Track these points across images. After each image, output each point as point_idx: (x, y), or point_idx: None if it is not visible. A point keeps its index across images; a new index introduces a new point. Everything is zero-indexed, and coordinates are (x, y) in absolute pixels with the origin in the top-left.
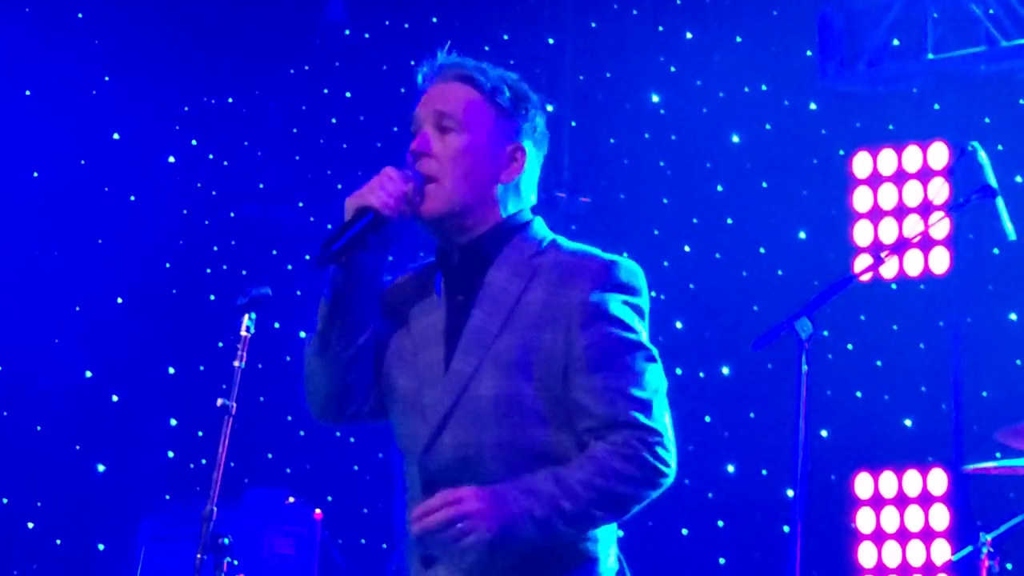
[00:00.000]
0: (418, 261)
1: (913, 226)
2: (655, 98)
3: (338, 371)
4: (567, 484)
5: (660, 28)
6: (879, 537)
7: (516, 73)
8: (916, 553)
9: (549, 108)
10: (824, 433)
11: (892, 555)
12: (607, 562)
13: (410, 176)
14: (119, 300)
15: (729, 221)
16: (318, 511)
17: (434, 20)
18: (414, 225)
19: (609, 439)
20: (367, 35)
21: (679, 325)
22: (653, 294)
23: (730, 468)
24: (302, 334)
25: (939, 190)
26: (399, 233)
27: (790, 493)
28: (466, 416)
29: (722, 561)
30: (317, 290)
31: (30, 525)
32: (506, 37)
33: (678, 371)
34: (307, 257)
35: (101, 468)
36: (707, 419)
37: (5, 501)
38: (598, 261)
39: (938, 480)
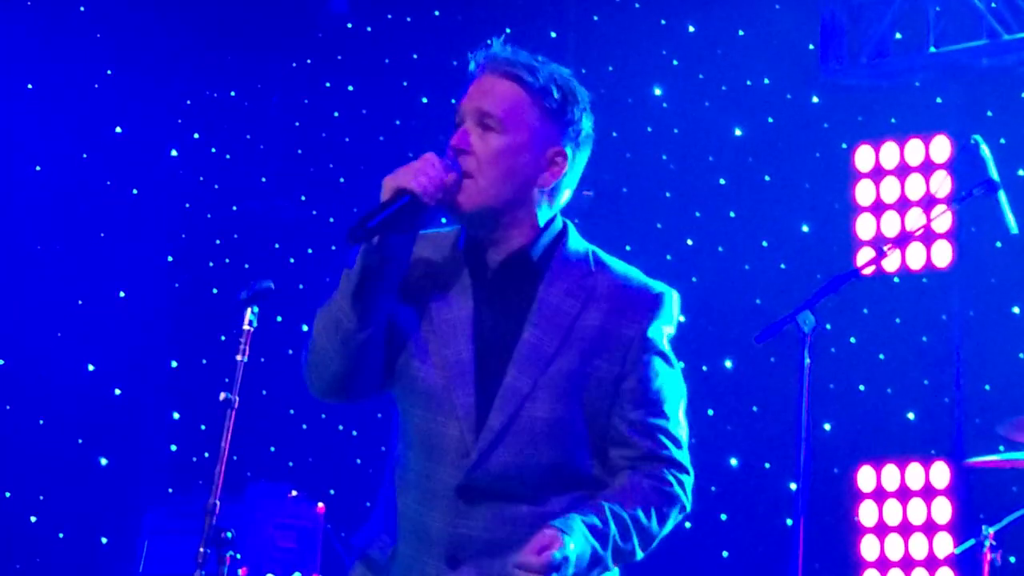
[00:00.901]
0: (433, 228)
1: (915, 220)
2: (657, 91)
3: (351, 352)
4: (623, 523)
5: (662, 21)
6: (882, 530)
7: (569, 69)
8: (919, 546)
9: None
10: (827, 426)
11: (895, 548)
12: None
13: (451, 166)
14: (121, 294)
15: (731, 214)
16: (321, 505)
17: (436, 13)
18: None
19: (646, 470)
20: (369, 28)
21: (681, 319)
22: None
23: (733, 461)
24: (304, 327)
25: (941, 183)
26: (430, 221)
27: (793, 486)
28: (520, 435)
29: (725, 554)
30: (320, 284)
31: (33, 519)
32: (508, 30)
33: (681, 364)
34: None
35: (104, 461)
36: (710, 412)
37: (8, 495)
38: (650, 292)
39: (941, 473)
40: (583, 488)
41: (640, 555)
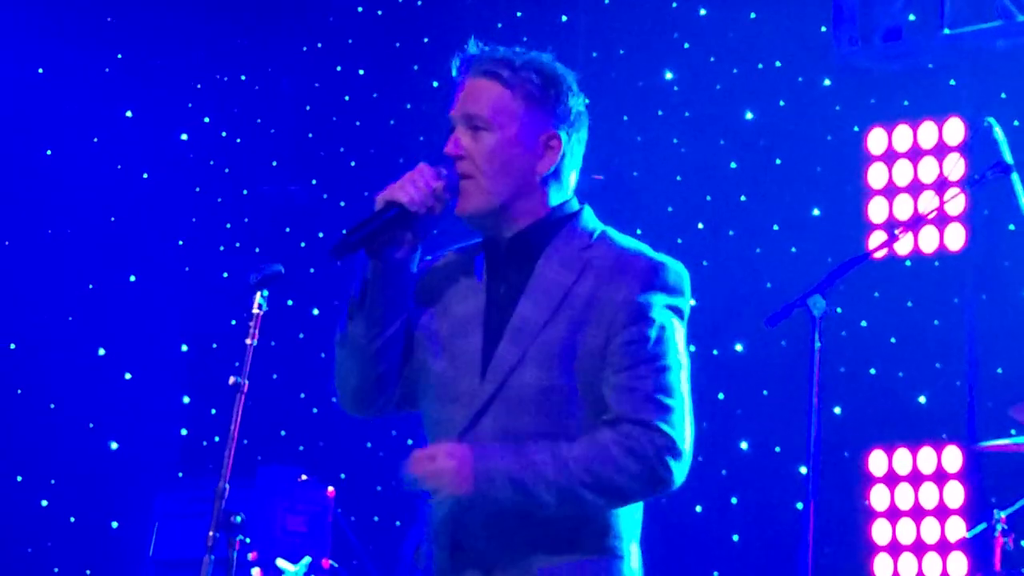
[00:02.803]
0: (464, 242)
1: (928, 203)
2: (668, 75)
3: (365, 363)
4: (561, 458)
5: (673, 4)
6: (893, 514)
7: (549, 54)
8: (931, 530)
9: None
10: (837, 410)
11: (906, 532)
12: (631, 562)
13: (443, 173)
14: (132, 278)
15: (743, 198)
16: (331, 489)
17: None
18: (460, 222)
19: (619, 429)
20: (380, 12)
21: (692, 302)
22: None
23: (743, 445)
24: (315, 311)
25: (954, 166)
26: (429, 228)
27: (803, 470)
28: (508, 404)
29: (736, 538)
30: (330, 268)
31: (44, 503)
32: (519, 14)
33: (691, 348)
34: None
35: (114, 446)
36: (720, 396)
37: (19, 479)
38: (647, 260)
39: (953, 457)
40: None
41: (593, 500)
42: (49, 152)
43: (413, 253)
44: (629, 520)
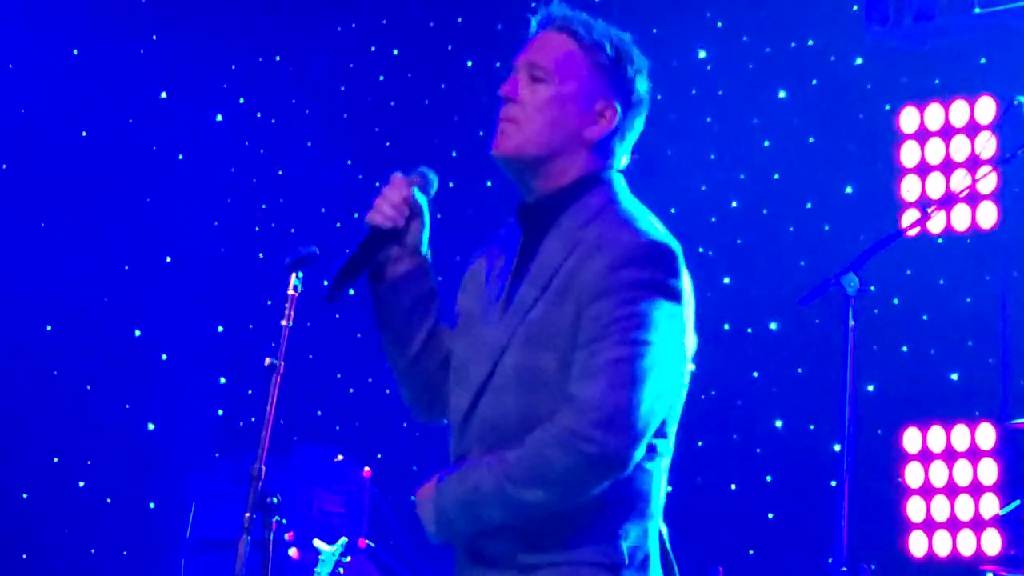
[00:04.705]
0: (503, 226)
1: (960, 181)
2: (702, 54)
3: (405, 377)
4: (496, 468)
5: None
6: (927, 491)
7: (631, 35)
8: (965, 507)
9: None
10: (871, 388)
11: (940, 509)
12: (624, 541)
13: (415, 178)
14: (168, 259)
15: (776, 176)
16: (367, 469)
17: None
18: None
19: (553, 418)
20: None
21: (727, 281)
22: (700, 250)
23: (778, 423)
24: (351, 292)
25: (986, 144)
26: (417, 235)
27: (837, 448)
28: (497, 386)
29: (770, 516)
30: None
31: (81, 484)
32: None
33: (726, 327)
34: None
35: (151, 427)
36: (755, 375)
37: (56, 460)
38: (628, 236)
39: (986, 434)
40: None
41: (542, 501)
42: (85, 134)
43: (416, 260)
44: (628, 507)
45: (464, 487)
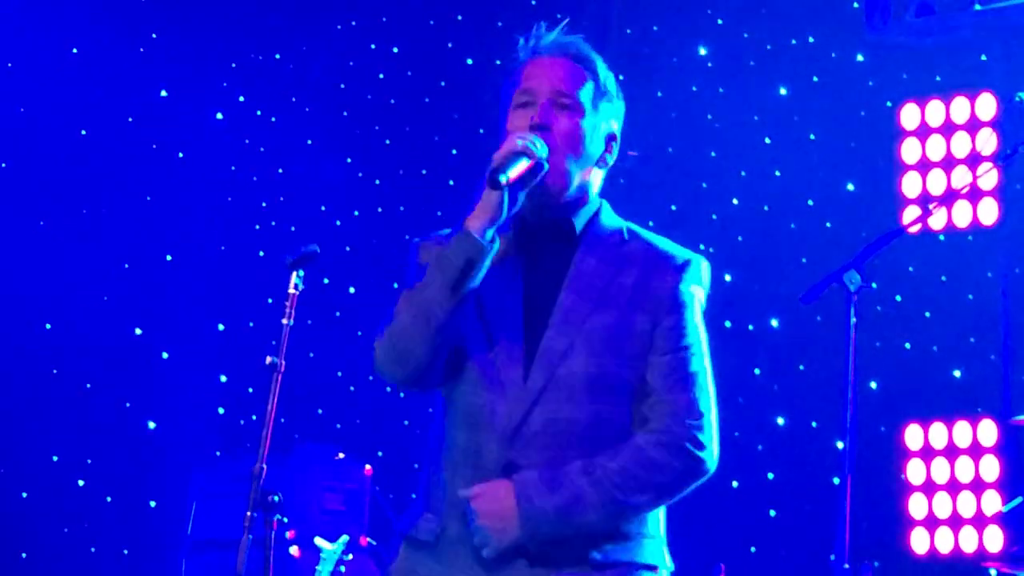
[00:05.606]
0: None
1: (961, 177)
2: (702, 51)
3: (437, 341)
4: (597, 477)
5: None
6: (929, 488)
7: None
8: (967, 504)
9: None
10: (873, 385)
11: (943, 506)
12: (665, 543)
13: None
14: (168, 257)
15: (777, 173)
16: (368, 467)
17: None
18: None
19: (649, 427)
20: None
21: (728, 278)
22: (702, 247)
23: (780, 420)
24: (351, 290)
25: (987, 141)
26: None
27: (840, 445)
28: (559, 393)
29: (772, 513)
30: (366, 248)
31: (81, 483)
32: None
33: (727, 324)
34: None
35: (151, 425)
36: (756, 372)
37: (56, 459)
38: (682, 255)
39: (988, 431)
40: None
41: (643, 504)
42: (84, 132)
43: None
44: (662, 512)
45: (561, 497)
